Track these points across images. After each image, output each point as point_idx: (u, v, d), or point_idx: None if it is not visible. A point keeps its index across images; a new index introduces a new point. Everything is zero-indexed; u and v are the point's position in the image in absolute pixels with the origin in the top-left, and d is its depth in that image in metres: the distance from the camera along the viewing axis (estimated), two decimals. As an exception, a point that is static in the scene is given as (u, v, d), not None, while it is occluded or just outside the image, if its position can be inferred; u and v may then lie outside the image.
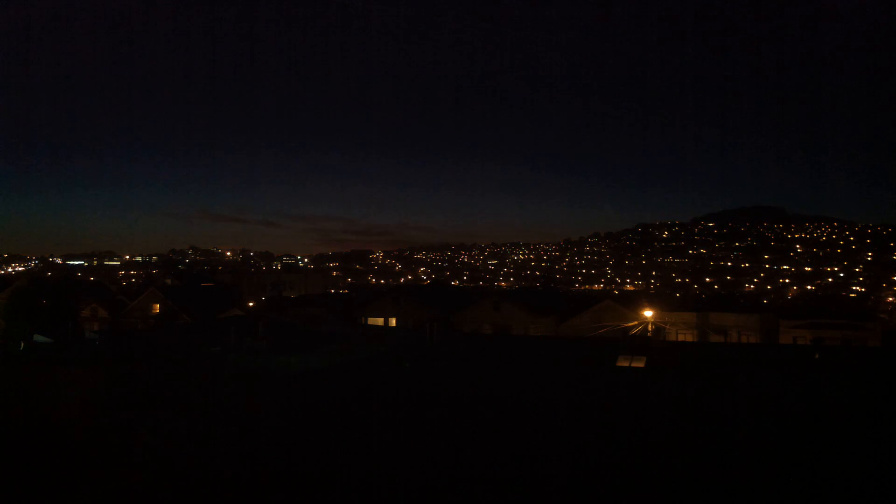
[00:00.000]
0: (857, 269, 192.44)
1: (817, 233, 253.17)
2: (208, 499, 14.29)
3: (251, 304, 74.88)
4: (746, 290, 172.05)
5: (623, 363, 29.58)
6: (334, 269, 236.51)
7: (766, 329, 53.36)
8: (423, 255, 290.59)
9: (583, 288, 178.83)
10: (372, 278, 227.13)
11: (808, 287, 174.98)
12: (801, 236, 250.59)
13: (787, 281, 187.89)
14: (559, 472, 15.29)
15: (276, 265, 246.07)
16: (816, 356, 31.40)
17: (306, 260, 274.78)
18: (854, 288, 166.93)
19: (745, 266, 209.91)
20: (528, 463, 15.83)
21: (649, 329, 52.84)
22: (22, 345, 39.87)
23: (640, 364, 29.31)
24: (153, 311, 65.47)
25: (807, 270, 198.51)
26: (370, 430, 18.66)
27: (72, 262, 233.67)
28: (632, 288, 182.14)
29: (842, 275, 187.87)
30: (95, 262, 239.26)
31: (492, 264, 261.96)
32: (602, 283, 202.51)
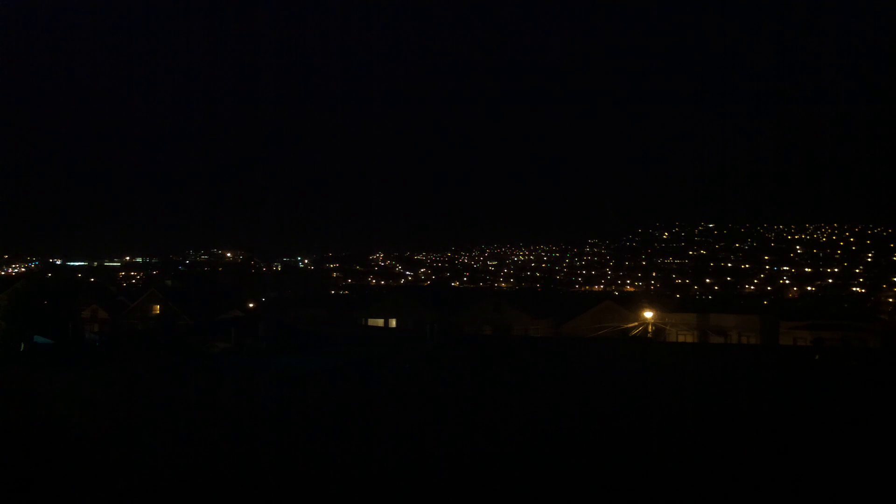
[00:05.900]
0: (857, 270, 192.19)
1: (817, 234, 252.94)
2: (208, 500, 14.29)
3: (251, 304, 74.82)
4: (746, 291, 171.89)
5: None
6: (334, 269, 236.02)
7: (767, 330, 53.33)
8: (424, 255, 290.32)
9: (583, 289, 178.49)
10: (372, 279, 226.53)
11: (809, 288, 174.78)
12: (801, 237, 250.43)
13: (787, 282, 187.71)
14: (559, 472, 15.29)
15: (277, 266, 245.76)
16: (817, 357, 31.43)
17: (306, 261, 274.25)
18: (854, 289, 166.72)
19: (746, 267, 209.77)
20: (528, 463, 15.84)
21: (649, 330, 52.81)
22: (22, 346, 39.86)
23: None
24: (154, 313, 65.48)
25: (807, 271, 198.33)
26: (370, 430, 18.67)
27: (72, 263, 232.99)
28: (632, 289, 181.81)
29: (842, 276, 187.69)
30: (96, 264, 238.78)
31: (492, 265, 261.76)
32: (602, 284, 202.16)
